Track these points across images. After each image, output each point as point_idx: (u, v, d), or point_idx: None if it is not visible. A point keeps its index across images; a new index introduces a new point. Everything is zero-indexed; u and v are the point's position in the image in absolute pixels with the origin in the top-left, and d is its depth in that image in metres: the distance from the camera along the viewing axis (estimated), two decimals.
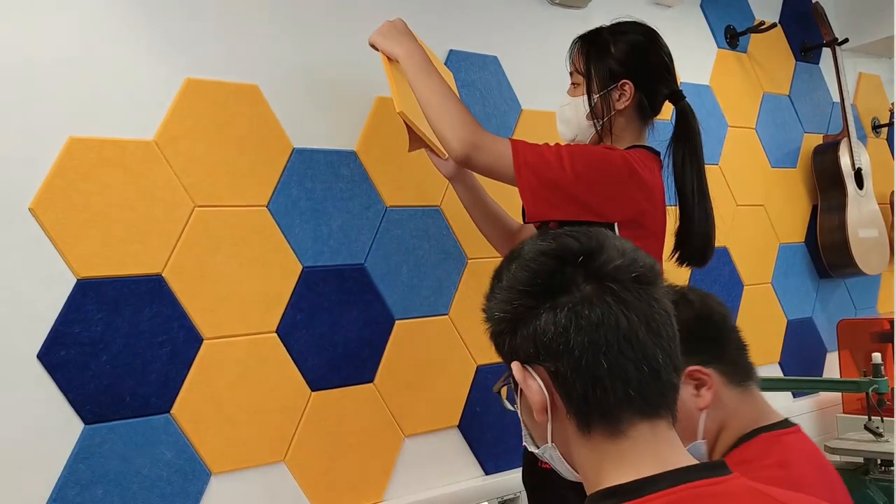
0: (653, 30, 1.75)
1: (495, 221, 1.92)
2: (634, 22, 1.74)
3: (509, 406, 0.99)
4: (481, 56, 2.22)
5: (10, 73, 1.55)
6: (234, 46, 1.82)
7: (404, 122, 1.71)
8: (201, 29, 1.78)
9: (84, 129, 1.61)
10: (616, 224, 1.60)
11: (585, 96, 1.70)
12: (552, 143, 1.62)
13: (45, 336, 1.54)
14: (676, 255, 1.75)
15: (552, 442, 0.90)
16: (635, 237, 1.61)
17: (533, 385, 0.88)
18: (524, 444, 0.99)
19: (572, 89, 1.75)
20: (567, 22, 2.37)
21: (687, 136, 1.72)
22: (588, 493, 0.87)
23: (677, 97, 1.74)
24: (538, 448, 0.94)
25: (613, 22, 1.74)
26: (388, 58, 1.71)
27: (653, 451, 0.84)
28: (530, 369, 0.88)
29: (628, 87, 1.68)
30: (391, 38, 1.71)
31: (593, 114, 1.70)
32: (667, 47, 1.74)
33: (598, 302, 0.85)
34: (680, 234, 1.73)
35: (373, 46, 1.74)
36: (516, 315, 0.89)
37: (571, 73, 1.75)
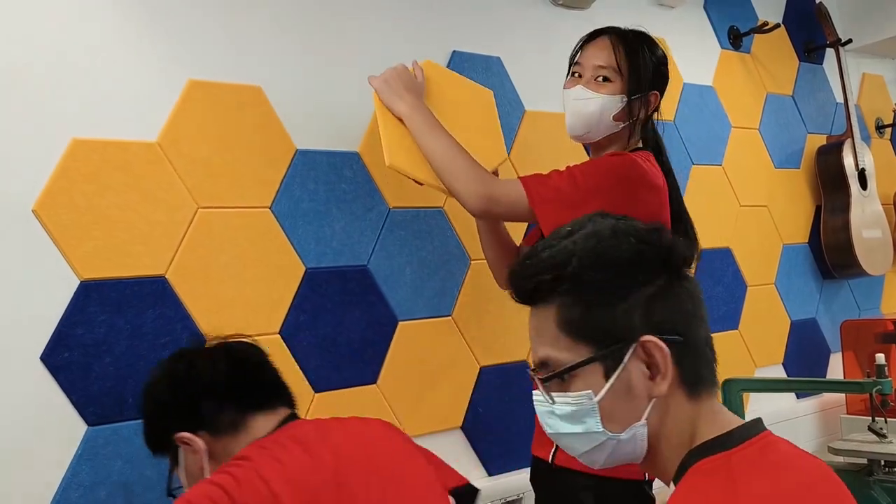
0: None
1: (507, 252, 1.89)
2: (647, 33, 1.77)
3: (549, 399, 0.97)
4: (484, 57, 2.22)
5: (14, 75, 1.55)
6: (237, 48, 1.82)
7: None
8: (204, 30, 1.78)
9: (87, 130, 1.62)
10: None
11: (621, 95, 1.68)
12: (561, 168, 1.63)
13: (49, 338, 1.54)
14: None
15: (646, 419, 0.94)
16: None
17: (665, 358, 0.92)
18: (563, 432, 0.96)
19: (596, 84, 1.69)
20: (570, 23, 2.37)
21: (665, 154, 1.76)
22: (678, 451, 0.94)
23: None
24: (620, 432, 0.95)
25: (633, 28, 1.74)
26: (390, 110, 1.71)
27: (719, 408, 0.98)
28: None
29: (654, 98, 1.71)
30: (394, 93, 1.70)
31: (629, 114, 1.69)
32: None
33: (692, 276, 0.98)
34: None
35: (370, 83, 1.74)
36: (645, 287, 0.93)
37: (603, 67, 1.69)
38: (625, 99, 1.68)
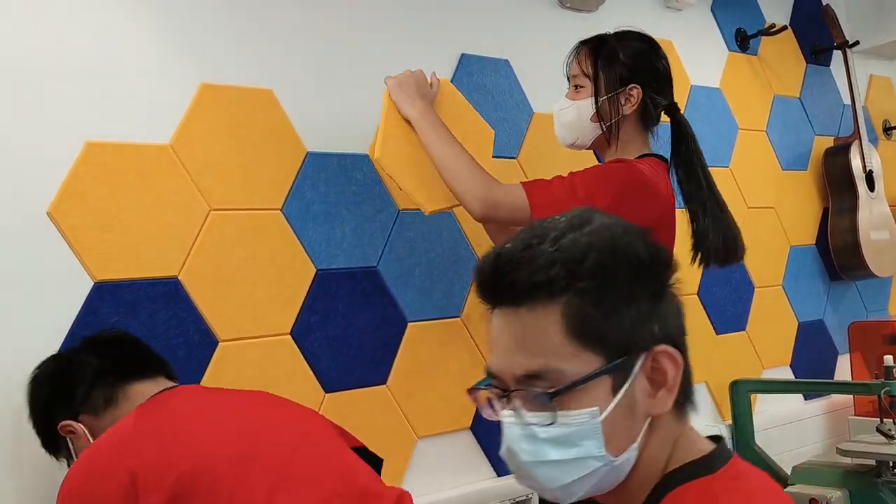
0: (654, 40, 1.79)
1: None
2: (638, 31, 1.78)
3: (546, 418, 0.80)
4: (493, 60, 2.23)
5: (28, 79, 1.57)
6: (249, 52, 1.83)
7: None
8: (216, 34, 1.79)
9: (101, 133, 1.63)
10: None
11: (591, 98, 1.72)
12: (565, 175, 1.65)
13: (63, 338, 1.56)
14: (699, 256, 1.75)
15: (640, 440, 0.82)
16: None
17: (678, 371, 0.82)
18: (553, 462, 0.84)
19: (573, 92, 1.77)
20: (578, 25, 2.38)
21: (688, 145, 1.76)
22: (652, 477, 0.83)
23: (674, 109, 1.78)
24: (617, 457, 0.81)
25: (617, 30, 1.77)
26: (398, 111, 1.74)
27: (694, 430, 0.88)
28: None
29: (636, 92, 1.71)
30: (406, 95, 1.73)
31: (600, 116, 1.72)
32: (667, 59, 1.78)
33: None
34: (698, 236, 1.74)
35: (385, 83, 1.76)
36: (655, 293, 0.82)
37: (575, 76, 1.77)
38: (594, 101, 1.72)
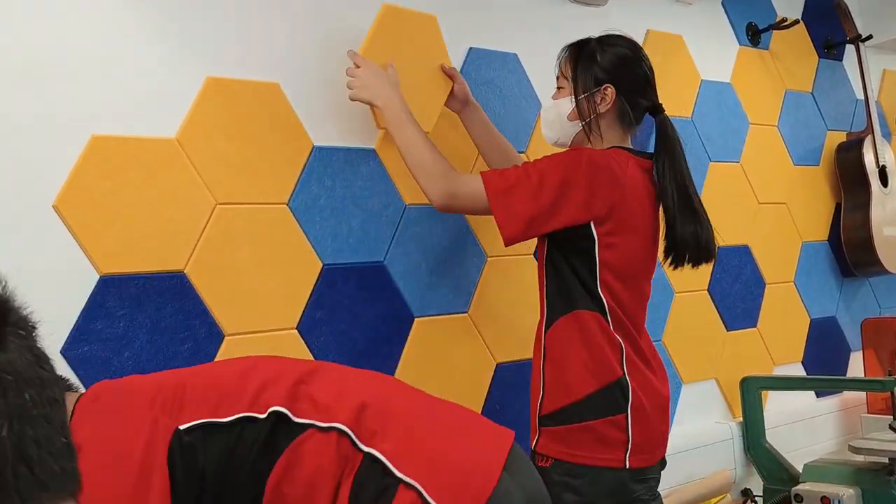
0: (638, 45, 1.84)
1: (501, 153, 2.06)
2: (621, 36, 1.83)
3: None
4: (501, 53, 2.22)
5: (34, 73, 1.57)
6: (255, 45, 1.83)
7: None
8: (222, 28, 1.79)
9: (106, 127, 1.63)
10: (592, 222, 1.66)
11: (569, 97, 1.78)
12: (527, 162, 1.73)
13: (69, 332, 1.56)
14: (669, 259, 1.78)
15: None
16: (611, 232, 1.68)
17: None
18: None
19: (556, 93, 1.83)
20: (586, 19, 2.37)
21: (666, 147, 1.78)
22: None
23: (657, 110, 1.82)
24: None
25: (602, 34, 1.82)
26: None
27: None
28: None
29: (610, 91, 1.75)
30: (369, 91, 1.82)
31: (579, 114, 1.77)
32: (649, 62, 1.82)
33: None
34: (667, 239, 1.77)
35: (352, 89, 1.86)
36: None
37: (558, 78, 1.84)
38: (573, 100, 1.77)
